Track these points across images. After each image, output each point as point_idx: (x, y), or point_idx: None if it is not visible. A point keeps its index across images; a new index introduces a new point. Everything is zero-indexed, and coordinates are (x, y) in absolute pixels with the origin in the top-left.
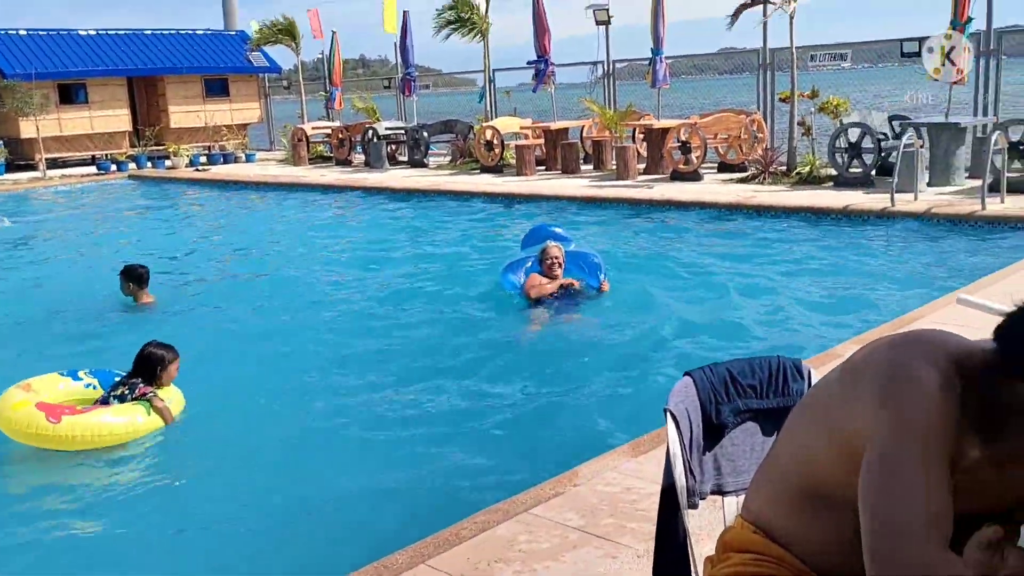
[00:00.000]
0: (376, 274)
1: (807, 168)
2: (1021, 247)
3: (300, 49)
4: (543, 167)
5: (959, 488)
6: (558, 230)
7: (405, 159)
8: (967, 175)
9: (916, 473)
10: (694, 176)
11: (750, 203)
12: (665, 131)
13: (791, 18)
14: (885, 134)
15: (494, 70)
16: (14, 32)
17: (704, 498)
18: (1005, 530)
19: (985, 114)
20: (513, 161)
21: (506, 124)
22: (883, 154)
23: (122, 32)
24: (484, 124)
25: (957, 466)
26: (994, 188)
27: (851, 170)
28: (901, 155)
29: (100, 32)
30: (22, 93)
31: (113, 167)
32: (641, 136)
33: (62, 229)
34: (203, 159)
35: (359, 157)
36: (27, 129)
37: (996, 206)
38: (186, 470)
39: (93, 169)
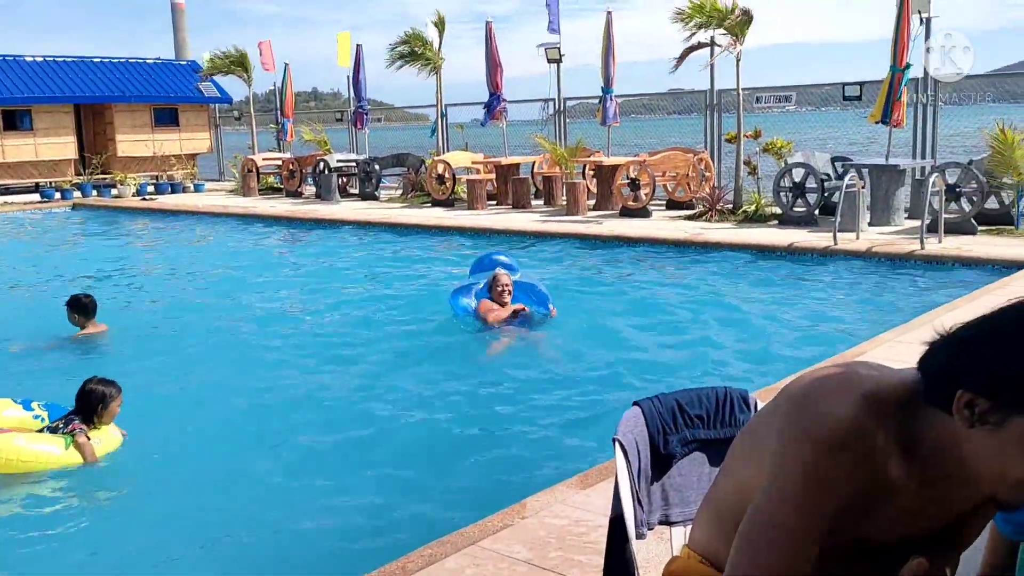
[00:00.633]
0: (325, 305)
1: (753, 207)
2: (958, 286)
3: (252, 80)
4: (494, 202)
5: (896, 514)
6: (504, 259)
7: (356, 192)
8: (906, 216)
9: (782, 543)
10: (643, 213)
11: (697, 240)
12: (615, 168)
13: (737, 61)
14: (828, 174)
15: (446, 105)
16: None
17: (652, 528)
18: (931, 561)
19: (923, 157)
20: (464, 195)
21: (458, 158)
22: (826, 194)
23: (70, 59)
24: (436, 158)
25: (890, 495)
26: (932, 228)
27: (795, 209)
28: (843, 195)
29: (47, 59)
30: None
31: (57, 195)
32: (591, 173)
33: (2, 258)
34: (150, 188)
35: (310, 189)
36: None
37: (934, 246)
38: (125, 502)
39: (36, 197)
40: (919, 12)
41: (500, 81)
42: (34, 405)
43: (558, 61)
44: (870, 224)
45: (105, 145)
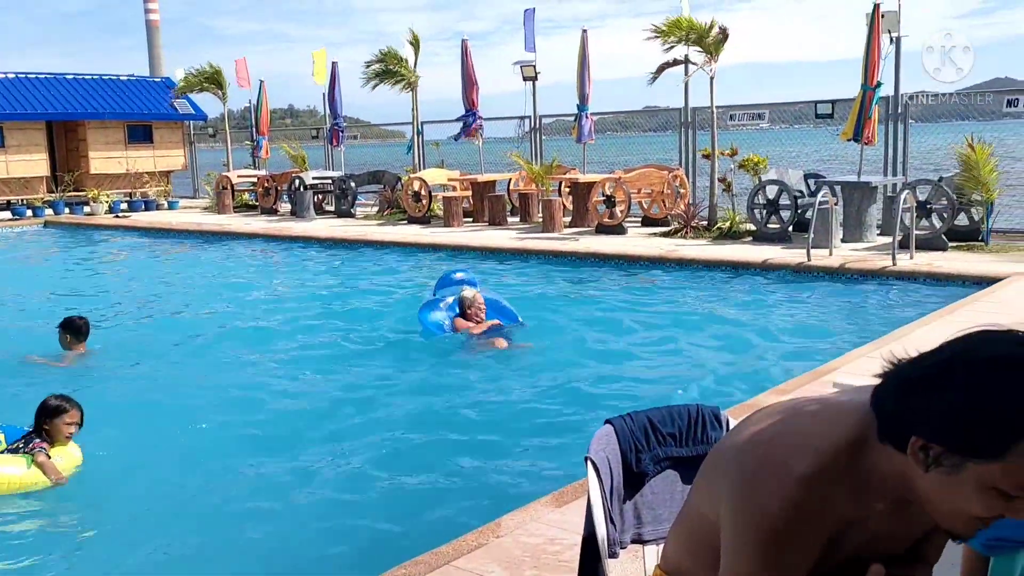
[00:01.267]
0: (298, 323)
1: (727, 223)
2: (929, 301)
3: (227, 97)
4: (470, 219)
5: (867, 536)
6: (460, 275)
7: (332, 209)
8: (879, 232)
9: None
10: (618, 229)
11: (672, 256)
12: (590, 185)
13: (711, 79)
14: (801, 191)
15: (422, 122)
16: None
17: (624, 547)
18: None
19: (895, 174)
20: (441, 212)
21: (434, 176)
22: (799, 211)
23: (42, 76)
24: (412, 175)
25: (859, 525)
26: (904, 245)
27: (769, 226)
28: (816, 212)
29: (19, 75)
30: None
31: (29, 213)
32: (567, 190)
33: None
34: (124, 206)
35: (285, 206)
36: None
37: (905, 262)
38: (92, 521)
39: (8, 215)
40: (889, 32)
41: (476, 98)
42: None
43: (534, 79)
44: (843, 240)
45: (78, 162)
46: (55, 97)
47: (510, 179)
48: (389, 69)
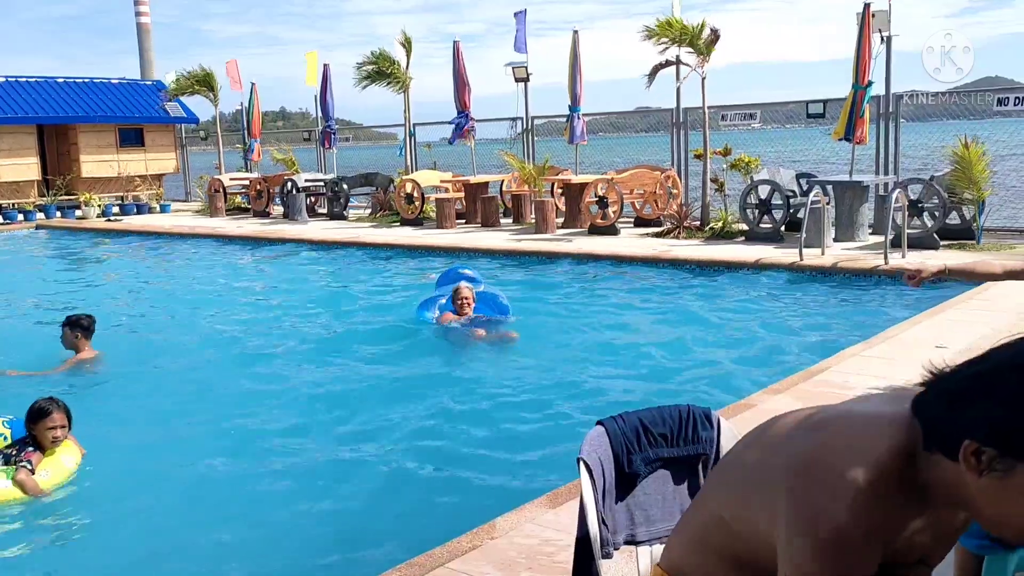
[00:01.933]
0: (291, 326)
1: (720, 223)
2: (921, 300)
3: (218, 100)
4: (463, 220)
5: (905, 542)
6: (468, 272)
7: (325, 211)
8: (870, 231)
9: None
10: (611, 230)
11: (665, 257)
12: (583, 186)
13: (703, 79)
14: (793, 191)
15: (415, 124)
16: None
17: (618, 548)
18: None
19: (886, 173)
20: (433, 214)
21: (426, 177)
22: (791, 210)
23: (32, 79)
24: (404, 177)
25: (900, 536)
26: (896, 244)
27: (762, 225)
28: (808, 212)
29: (9, 79)
30: None
31: (20, 217)
32: (560, 191)
33: None
34: (116, 209)
35: (278, 209)
36: None
37: (898, 261)
38: (92, 523)
39: None
40: (880, 31)
41: (468, 100)
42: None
43: (525, 80)
44: (835, 240)
45: (69, 166)
46: (46, 100)
47: (503, 180)
48: (381, 70)
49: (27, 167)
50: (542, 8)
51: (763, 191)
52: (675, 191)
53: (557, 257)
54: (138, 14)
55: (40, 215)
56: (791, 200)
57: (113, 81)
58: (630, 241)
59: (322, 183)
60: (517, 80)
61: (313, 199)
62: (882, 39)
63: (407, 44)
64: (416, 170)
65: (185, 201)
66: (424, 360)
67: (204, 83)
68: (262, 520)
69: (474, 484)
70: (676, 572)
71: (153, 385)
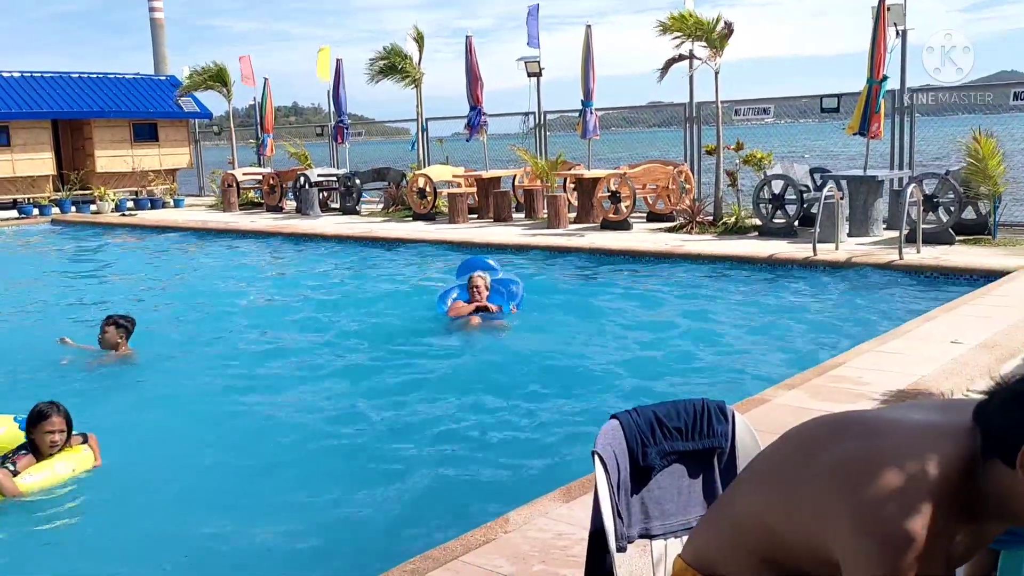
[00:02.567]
0: (304, 320)
1: (733, 218)
2: (936, 296)
3: (232, 95)
4: (475, 215)
5: (949, 554)
6: (490, 260)
7: (337, 206)
8: (885, 226)
9: None
10: (623, 225)
11: (678, 252)
12: (595, 181)
13: (716, 73)
14: (807, 186)
15: (427, 119)
16: None
17: (632, 541)
18: None
19: (901, 168)
20: (446, 209)
21: (439, 172)
22: (805, 205)
23: (48, 75)
24: (417, 172)
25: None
26: (911, 239)
27: (775, 221)
28: (822, 207)
29: (24, 74)
30: None
31: (36, 211)
32: (572, 186)
33: None
34: (130, 204)
35: (290, 204)
36: None
37: (912, 256)
38: (101, 522)
39: (14, 213)
40: (895, 25)
41: (480, 94)
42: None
43: (538, 75)
44: (849, 235)
45: (84, 161)
46: (61, 96)
47: (515, 175)
48: (393, 65)
49: (42, 162)
50: (553, 2)
51: (776, 186)
52: (688, 186)
53: (569, 252)
54: (152, 9)
55: (55, 210)
56: (805, 195)
57: (127, 76)
58: (642, 236)
59: (335, 178)
60: (529, 75)
61: (325, 194)
62: (897, 33)
63: (419, 39)
64: (428, 165)
65: (199, 196)
66: (436, 354)
67: (217, 78)
68: (271, 514)
69: (487, 478)
70: (703, 566)
71: (177, 382)
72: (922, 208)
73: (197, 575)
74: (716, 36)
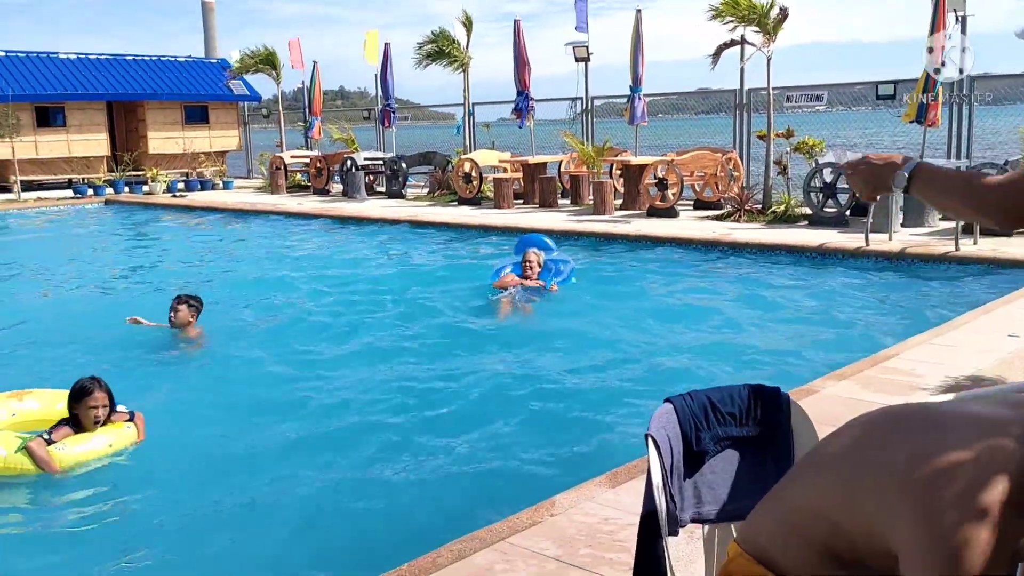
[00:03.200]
0: (350, 302)
1: (782, 207)
2: (993, 288)
3: (280, 78)
4: (521, 201)
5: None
6: (546, 239)
7: (383, 190)
8: (940, 217)
9: None
10: (670, 212)
11: (725, 240)
12: (642, 168)
13: (768, 60)
14: None
15: (474, 103)
16: None
17: (684, 526)
18: None
19: (958, 157)
20: (491, 194)
21: (485, 157)
22: (858, 195)
23: (103, 57)
24: (463, 157)
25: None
26: (967, 230)
27: (826, 210)
28: None
29: (80, 56)
30: None
31: (90, 191)
32: (618, 172)
33: (40, 253)
34: (181, 185)
35: (337, 187)
36: (2, 151)
37: (969, 247)
38: (129, 507)
39: (69, 193)
40: (955, 11)
41: (528, 79)
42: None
43: (586, 60)
44: (903, 225)
45: (137, 142)
46: (115, 78)
47: (561, 161)
48: (441, 50)
49: (97, 143)
50: None
51: (828, 174)
52: (736, 174)
53: (615, 239)
54: None
55: (109, 190)
56: None
57: (180, 59)
58: (689, 224)
59: (381, 162)
60: (577, 60)
61: (372, 177)
62: (957, 19)
63: (468, 23)
64: (474, 150)
65: (247, 178)
66: (482, 337)
67: (267, 62)
68: (318, 493)
69: (532, 461)
70: (758, 552)
71: (235, 361)
72: None
73: (237, 554)
74: (770, 21)
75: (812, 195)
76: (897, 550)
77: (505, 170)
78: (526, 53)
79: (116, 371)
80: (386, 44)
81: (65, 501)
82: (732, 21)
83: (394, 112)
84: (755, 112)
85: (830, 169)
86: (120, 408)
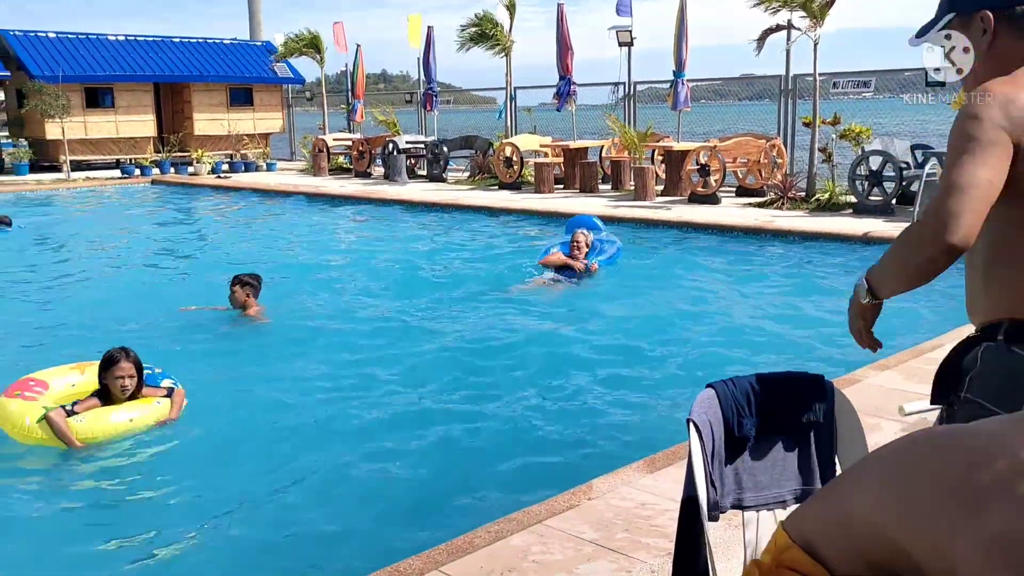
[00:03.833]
0: (391, 284)
1: (826, 194)
2: None
3: (324, 62)
4: (561, 185)
5: None
6: (596, 220)
7: (424, 173)
8: None
9: None
10: (712, 199)
11: (768, 227)
12: (684, 153)
13: (815, 45)
14: (907, 163)
15: (515, 87)
16: (43, 34)
17: (724, 511)
18: None
19: None
20: (532, 178)
21: (526, 142)
22: (904, 183)
23: (150, 39)
24: (504, 141)
25: None
26: None
27: (871, 198)
28: (923, 184)
29: (129, 38)
30: (48, 95)
31: (137, 171)
32: (660, 158)
33: (91, 231)
34: (225, 167)
35: (378, 170)
36: (52, 131)
37: None
38: (199, 474)
39: (117, 173)
40: None
41: (570, 64)
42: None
43: (629, 44)
44: None
45: (183, 123)
46: (162, 59)
47: (602, 146)
48: (484, 33)
49: (144, 124)
50: None
51: (874, 162)
52: (780, 160)
53: (656, 225)
54: None
55: (155, 170)
56: (904, 172)
57: (225, 42)
58: (731, 210)
59: (422, 145)
60: (620, 44)
61: (413, 161)
62: None
63: (510, 7)
64: (516, 134)
65: (290, 160)
66: (525, 317)
67: (312, 45)
68: (356, 472)
69: (571, 445)
70: (804, 544)
71: (287, 342)
72: None
73: (278, 526)
74: (817, 5)
75: (857, 183)
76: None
77: (546, 155)
78: (569, 37)
79: (166, 350)
80: (429, 27)
81: (79, 473)
82: (777, 5)
83: (436, 96)
84: (800, 99)
85: (876, 157)
86: (165, 383)
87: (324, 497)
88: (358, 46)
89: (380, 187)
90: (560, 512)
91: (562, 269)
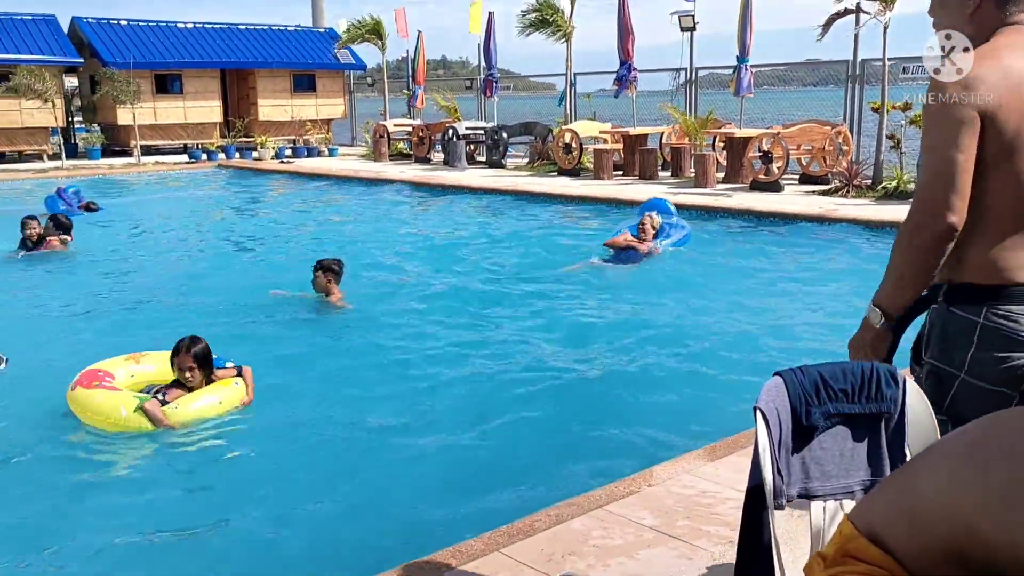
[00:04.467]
0: (451, 269)
1: (893, 183)
2: None
3: (386, 48)
4: (621, 172)
5: None
6: (670, 204)
7: (483, 159)
8: None
9: None
10: (774, 186)
11: (832, 215)
12: (746, 140)
13: (884, 28)
14: None
15: (575, 74)
16: (115, 22)
17: (791, 501)
18: None
19: None
20: (591, 165)
21: (585, 128)
22: None
23: (217, 26)
24: (563, 127)
25: None
26: None
27: None
28: None
29: (197, 25)
30: (120, 81)
31: (203, 156)
32: (721, 145)
33: (162, 214)
34: (288, 152)
35: (438, 155)
36: (124, 116)
37: None
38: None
39: (184, 157)
40: None
41: (631, 49)
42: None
43: (692, 29)
44: None
45: (248, 109)
46: (229, 46)
47: (662, 133)
48: (545, 18)
49: (210, 109)
50: None
51: None
52: (845, 148)
53: (717, 212)
54: None
55: (221, 155)
56: None
57: (289, 28)
58: (794, 198)
59: (482, 131)
60: (683, 29)
61: (472, 147)
62: None
63: None
64: (575, 120)
65: (351, 146)
66: (587, 307)
67: (374, 31)
68: (421, 453)
69: (633, 431)
70: (870, 534)
71: (361, 330)
72: None
73: (344, 504)
74: None
75: None
76: None
77: (605, 141)
78: (630, 22)
79: (241, 335)
80: (490, 13)
81: (173, 457)
82: None
83: (496, 82)
84: (867, 84)
85: None
86: (228, 364)
87: (393, 478)
88: (419, 32)
89: (440, 173)
90: (620, 497)
91: (626, 250)
